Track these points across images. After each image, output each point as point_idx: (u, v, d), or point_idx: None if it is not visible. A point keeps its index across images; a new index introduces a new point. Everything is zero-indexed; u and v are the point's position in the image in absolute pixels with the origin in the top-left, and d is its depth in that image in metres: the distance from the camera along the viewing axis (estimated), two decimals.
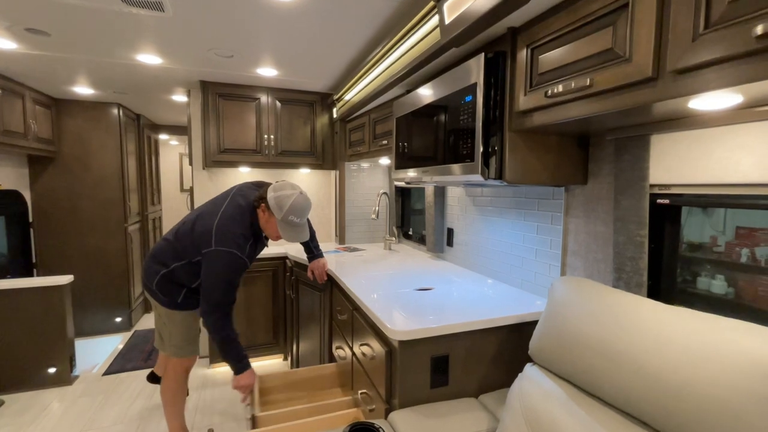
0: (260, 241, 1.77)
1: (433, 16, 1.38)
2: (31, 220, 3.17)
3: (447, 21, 1.24)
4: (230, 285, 1.60)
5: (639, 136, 1.08)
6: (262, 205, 1.67)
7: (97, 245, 3.42)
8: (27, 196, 3.13)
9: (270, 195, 1.65)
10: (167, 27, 1.78)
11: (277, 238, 1.72)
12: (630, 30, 0.81)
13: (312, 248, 2.10)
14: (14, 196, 2.99)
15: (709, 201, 1.03)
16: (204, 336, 2.87)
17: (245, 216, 1.66)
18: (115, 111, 3.39)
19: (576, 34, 0.95)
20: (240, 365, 1.63)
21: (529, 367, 1.11)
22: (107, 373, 2.77)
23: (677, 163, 1.04)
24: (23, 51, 2.10)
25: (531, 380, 1.06)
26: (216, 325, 1.59)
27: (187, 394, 2.03)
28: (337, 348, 1.90)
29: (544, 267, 1.59)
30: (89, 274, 3.39)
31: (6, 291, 2.41)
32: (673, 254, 1.17)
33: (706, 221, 1.12)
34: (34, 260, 3.20)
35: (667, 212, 1.15)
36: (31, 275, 3.14)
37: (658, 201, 1.11)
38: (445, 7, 1.24)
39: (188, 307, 1.78)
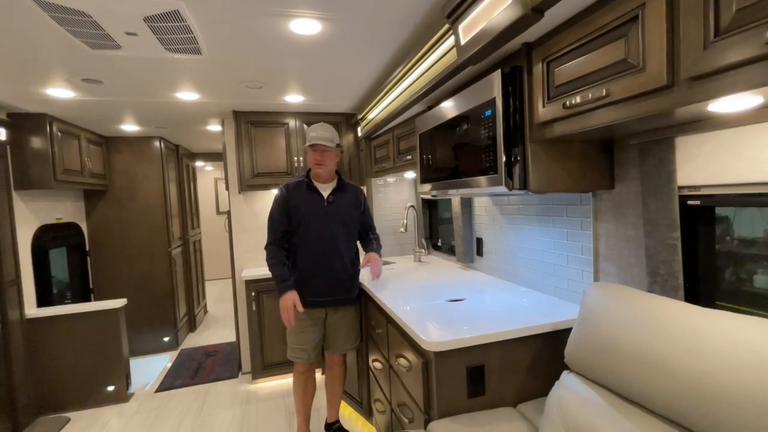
0: (314, 193, 2.01)
1: (449, 37, 1.44)
2: (87, 249, 3.45)
3: (462, 41, 1.29)
4: (271, 214, 2.00)
5: (663, 139, 1.09)
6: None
7: (144, 270, 3.66)
8: (83, 227, 3.42)
9: None
10: (204, 67, 1.95)
11: (317, 161, 1.97)
12: (642, 41, 0.84)
13: (368, 242, 2.18)
14: (73, 228, 3.28)
15: (742, 200, 1.01)
16: (246, 353, 3.00)
17: (298, 179, 2.05)
18: (157, 144, 3.66)
19: (589, 46, 0.98)
20: (279, 288, 1.91)
21: (565, 375, 1.12)
22: (159, 390, 2.93)
23: (705, 163, 1.04)
24: (79, 98, 2.34)
25: (568, 388, 1.06)
26: (266, 252, 1.97)
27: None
28: (374, 360, 1.94)
29: (577, 273, 1.58)
30: (138, 296, 3.63)
31: (68, 316, 2.63)
32: (710, 255, 1.15)
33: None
34: (91, 286, 3.47)
35: (699, 213, 1.14)
36: (88, 300, 3.40)
37: (689, 202, 1.10)
38: (460, 28, 1.30)
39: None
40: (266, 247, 1.98)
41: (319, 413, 2.48)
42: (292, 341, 2.04)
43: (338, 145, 2.01)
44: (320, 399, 2.58)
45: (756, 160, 0.93)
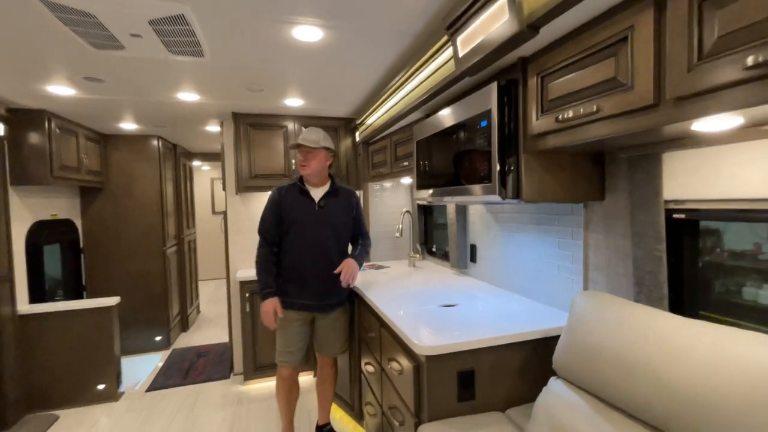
0: (306, 197, 2.02)
1: (447, 48, 1.48)
2: (81, 246, 3.44)
3: (461, 54, 1.33)
4: (263, 216, 2.03)
5: (650, 154, 1.13)
6: None
7: (139, 268, 3.65)
8: (78, 224, 3.41)
9: None
10: (206, 69, 1.97)
11: (300, 162, 1.99)
12: (631, 61, 0.88)
13: (354, 247, 2.16)
14: (68, 224, 3.27)
15: (724, 215, 1.05)
16: (238, 354, 3.00)
17: (292, 182, 2.08)
18: (155, 143, 3.66)
19: (582, 63, 1.02)
20: (261, 294, 1.97)
21: (553, 381, 1.15)
22: (150, 389, 2.92)
23: (689, 179, 1.08)
24: (80, 96, 2.35)
25: (555, 394, 1.09)
26: (256, 255, 2.01)
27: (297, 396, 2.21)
28: (366, 364, 1.96)
29: (567, 281, 1.62)
30: (132, 295, 3.61)
31: (61, 312, 2.62)
32: (694, 267, 1.19)
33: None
34: (84, 283, 3.45)
35: (685, 226, 1.18)
36: (81, 297, 3.38)
37: (674, 216, 1.14)
38: (459, 40, 1.33)
39: (283, 304, 2.01)
40: (258, 250, 2.01)
41: (310, 415, 2.49)
42: (280, 344, 2.05)
43: (328, 149, 2.00)
44: (312, 401, 2.59)
45: (736, 176, 0.97)
